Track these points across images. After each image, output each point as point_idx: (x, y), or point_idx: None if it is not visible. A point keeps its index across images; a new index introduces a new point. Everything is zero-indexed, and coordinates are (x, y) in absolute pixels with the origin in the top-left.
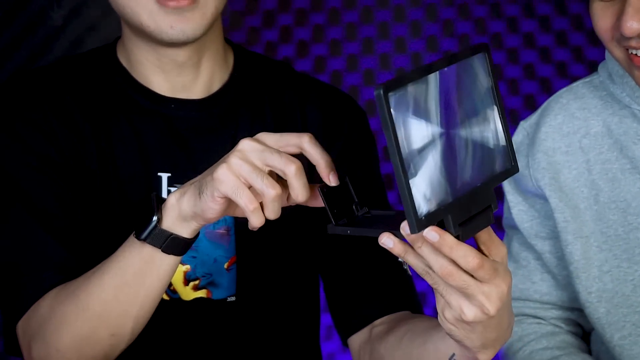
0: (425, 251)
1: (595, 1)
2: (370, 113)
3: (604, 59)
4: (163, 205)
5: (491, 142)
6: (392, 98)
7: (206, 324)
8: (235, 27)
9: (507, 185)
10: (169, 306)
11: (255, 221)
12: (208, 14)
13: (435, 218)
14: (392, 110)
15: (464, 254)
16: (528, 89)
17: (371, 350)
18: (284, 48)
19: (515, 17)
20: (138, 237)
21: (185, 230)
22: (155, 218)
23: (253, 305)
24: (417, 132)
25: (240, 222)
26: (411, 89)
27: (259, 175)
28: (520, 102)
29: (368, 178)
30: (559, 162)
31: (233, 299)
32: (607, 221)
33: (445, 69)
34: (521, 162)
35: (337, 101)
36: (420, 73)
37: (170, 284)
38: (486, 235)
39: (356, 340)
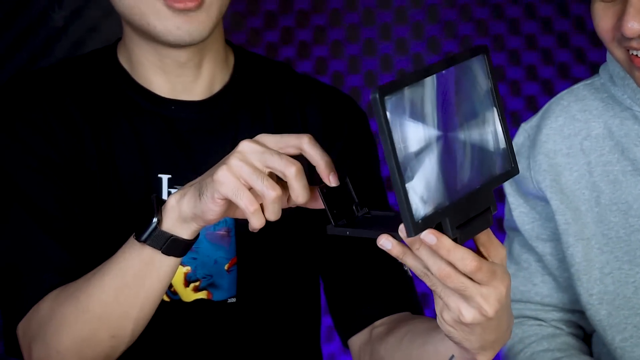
0: (423, 253)
1: (597, 2)
2: (371, 114)
3: (605, 60)
4: (163, 206)
5: (491, 144)
6: (389, 102)
7: (207, 325)
8: (236, 28)
9: (508, 187)
10: (170, 307)
11: (256, 222)
12: (213, 16)
13: (433, 221)
14: (388, 113)
15: (462, 256)
16: (529, 90)
17: (371, 351)
18: (285, 49)
19: (516, 19)
20: (138, 239)
21: (185, 232)
22: (155, 220)
23: (253, 306)
24: (414, 136)
25: (241, 224)
26: (408, 92)
27: (259, 176)
28: (521, 103)
29: (368, 179)
30: (560, 164)
31: (233, 300)
32: (608, 223)
33: (444, 71)
34: (522, 164)
35: (337, 102)
36: (417, 76)
37: (171, 285)
38: (485, 237)
39: (356, 341)
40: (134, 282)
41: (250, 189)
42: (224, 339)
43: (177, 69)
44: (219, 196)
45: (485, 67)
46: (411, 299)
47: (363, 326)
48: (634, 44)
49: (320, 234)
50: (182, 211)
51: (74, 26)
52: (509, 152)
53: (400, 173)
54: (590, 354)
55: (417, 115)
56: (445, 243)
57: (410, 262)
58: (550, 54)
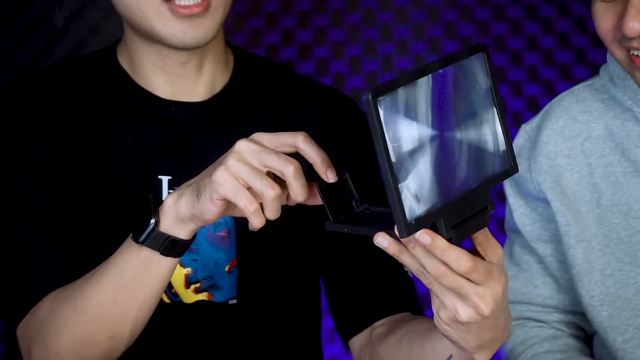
0: (419, 252)
1: (597, 2)
2: None
3: (606, 61)
4: (160, 207)
5: (489, 143)
6: (382, 102)
7: (207, 327)
8: (237, 29)
9: (509, 189)
10: (170, 309)
11: (256, 222)
12: (218, 19)
13: (427, 221)
14: (381, 115)
15: (456, 257)
16: (531, 91)
17: (371, 352)
18: (286, 50)
19: (517, 19)
20: (136, 240)
21: (183, 232)
22: (152, 221)
23: (254, 307)
24: (409, 136)
25: (241, 225)
26: (402, 92)
27: (257, 176)
28: (522, 104)
29: (369, 180)
30: (560, 165)
31: (234, 301)
32: (609, 224)
33: (440, 71)
34: (523, 166)
35: (337, 103)
36: (412, 76)
37: (172, 287)
38: (482, 237)
39: (357, 342)
40: (132, 283)
41: (249, 188)
42: (224, 341)
43: (179, 69)
44: (217, 197)
45: (485, 65)
46: (411, 299)
47: (363, 327)
48: (635, 44)
49: (320, 235)
50: (180, 212)
51: (74, 27)
52: (509, 151)
53: (393, 174)
54: (592, 355)
55: (412, 115)
56: (440, 243)
57: (406, 261)
58: (551, 55)
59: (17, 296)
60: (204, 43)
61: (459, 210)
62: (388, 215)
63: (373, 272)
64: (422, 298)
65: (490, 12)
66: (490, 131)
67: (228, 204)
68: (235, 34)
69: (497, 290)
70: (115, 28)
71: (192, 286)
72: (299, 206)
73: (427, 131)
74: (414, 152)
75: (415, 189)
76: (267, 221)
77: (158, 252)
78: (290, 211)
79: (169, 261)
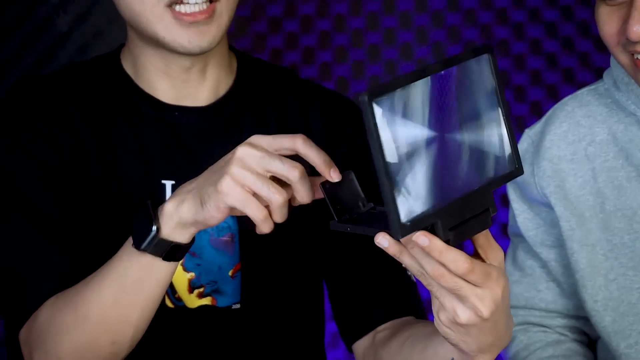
0: (417, 253)
1: (601, 6)
2: None
3: (610, 65)
4: (159, 213)
5: (493, 145)
6: (379, 103)
7: (211, 331)
8: (240, 33)
9: (512, 193)
10: (174, 314)
11: (266, 228)
12: (222, 26)
13: (423, 223)
14: (377, 116)
15: (454, 258)
16: (534, 95)
17: (374, 356)
18: (290, 54)
19: (521, 24)
20: (138, 247)
21: (183, 237)
22: (154, 228)
23: (258, 312)
24: (406, 137)
25: (245, 230)
26: (400, 94)
27: (264, 183)
28: (526, 109)
29: (373, 182)
30: (564, 170)
31: (238, 306)
32: (612, 229)
33: (442, 72)
34: (526, 170)
35: (340, 107)
36: (410, 78)
37: (175, 292)
38: (484, 239)
39: (360, 346)
40: (132, 289)
41: (254, 194)
42: (228, 345)
43: (182, 74)
44: (224, 206)
45: (490, 66)
46: (414, 303)
47: (366, 331)
48: (639, 48)
49: (324, 239)
50: (182, 218)
51: (79, 31)
52: (514, 153)
53: (388, 175)
54: None
55: (410, 117)
56: (437, 245)
57: (406, 261)
58: (555, 59)
59: (18, 300)
60: (208, 50)
61: (458, 212)
62: None
63: (376, 275)
64: (426, 302)
65: (494, 16)
66: (494, 133)
67: (233, 208)
68: (239, 39)
69: (497, 292)
70: (119, 33)
71: (196, 291)
72: (302, 211)
73: (426, 132)
74: (411, 154)
75: (412, 190)
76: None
77: (160, 258)
78: (293, 215)
79: (170, 265)
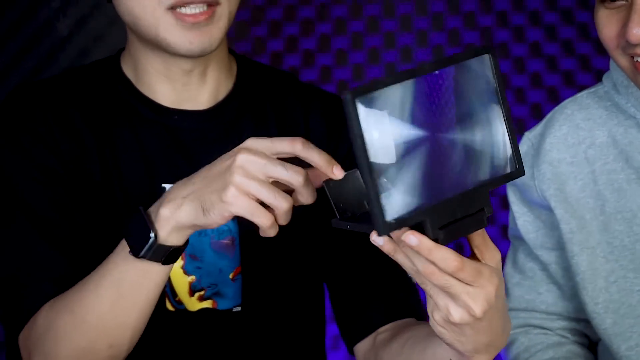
0: (409, 251)
1: (601, 9)
2: None
3: (610, 68)
4: (154, 217)
5: (491, 146)
6: (362, 102)
7: (212, 334)
8: (241, 37)
9: (512, 196)
10: (175, 317)
11: (272, 233)
12: (222, 27)
13: (410, 221)
14: (360, 114)
15: (443, 256)
16: (534, 98)
17: (375, 358)
18: (290, 58)
19: (521, 26)
20: (136, 255)
21: (179, 240)
22: (153, 234)
23: (259, 315)
24: (392, 136)
25: (245, 233)
26: (386, 92)
27: (270, 191)
28: (526, 111)
29: None
30: (564, 172)
31: (239, 309)
32: (613, 232)
33: (437, 72)
34: (526, 173)
35: (340, 110)
36: (399, 77)
37: (176, 295)
38: (480, 240)
39: (361, 347)
40: (130, 293)
41: (259, 200)
42: (229, 348)
43: (183, 77)
44: (229, 214)
45: (490, 66)
46: (414, 305)
47: (367, 332)
48: (639, 50)
49: (324, 241)
50: (179, 222)
51: (79, 35)
52: (514, 154)
53: (372, 173)
54: None
55: (397, 115)
56: (426, 244)
57: (401, 260)
58: (555, 62)
59: (17, 303)
60: (210, 51)
61: (449, 211)
62: None
63: (377, 277)
64: (426, 304)
65: (494, 19)
66: (494, 134)
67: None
68: (239, 42)
69: (489, 291)
70: (119, 36)
71: (197, 294)
72: (303, 213)
73: (414, 132)
74: (398, 152)
75: (399, 188)
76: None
77: (159, 263)
78: (294, 218)
79: (167, 267)
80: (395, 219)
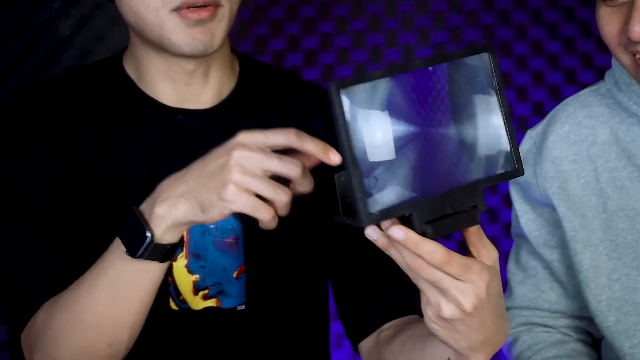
0: (398, 246)
1: (602, 7)
2: None
3: (612, 66)
4: (148, 217)
5: (489, 144)
6: (346, 94)
7: (216, 333)
8: (242, 36)
9: (514, 194)
10: (179, 316)
11: (273, 225)
12: (225, 26)
13: (394, 213)
14: (344, 106)
15: (430, 250)
16: (537, 96)
17: (378, 355)
18: (292, 57)
19: (523, 25)
20: (133, 256)
21: (176, 237)
22: (149, 234)
23: (263, 313)
24: (378, 129)
25: (249, 231)
26: (373, 86)
27: (268, 186)
28: (528, 109)
29: None
30: (566, 170)
31: (243, 307)
32: (615, 229)
33: (430, 67)
34: (529, 171)
35: None
36: (388, 71)
37: (180, 294)
38: (475, 237)
39: (365, 345)
40: (127, 292)
41: (258, 195)
42: (233, 347)
43: (185, 77)
44: (230, 212)
45: (489, 64)
46: (418, 302)
47: (371, 330)
48: None
49: (328, 239)
50: (175, 221)
51: (81, 35)
52: (513, 153)
53: (355, 164)
54: None
55: (384, 109)
56: (412, 237)
57: (394, 255)
58: (557, 60)
59: (19, 303)
60: (212, 51)
61: (438, 206)
62: None
63: (380, 275)
64: None
65: (495, 17)
66: (491, 132)
67: None
68: (241, 41)
69: (479, 286)
70: (120, 36)
71: (201, 293)
72: (307, 211)
73: (402, 126)
74: (383, 145)
75: (385, 181)
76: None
77: (156, 262)
78: (297, 216)
79: (164, 264)
80: (380, 211)
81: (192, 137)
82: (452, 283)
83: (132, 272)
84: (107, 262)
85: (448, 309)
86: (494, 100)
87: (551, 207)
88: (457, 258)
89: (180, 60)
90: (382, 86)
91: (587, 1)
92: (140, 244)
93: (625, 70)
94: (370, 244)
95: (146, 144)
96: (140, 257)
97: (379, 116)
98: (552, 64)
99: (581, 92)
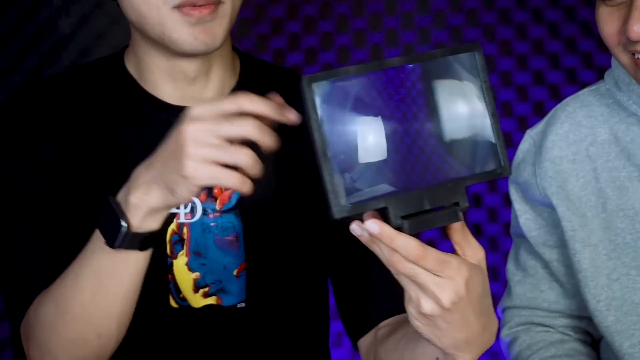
0: (376, 240)
1: (601, 6)
2: None
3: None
4: (124, 206)
5: (472, 142)
6: (318, 87)
7: (216, 330)
8: (243, 34)
9: (514, 194)
10: (179, 314)
11: (246, 188)
12: (225, 26)
13: (368, 206)
14: (317, 100)
15: (405, 244)
16: (537, 95)
17: (375, 353)
18: (292, 55)
19: (523, 24)
20: (111, 246)
21: (155, 224)
22: (124, 224)
23: (263, 311)
24: (351, 123)
25: (249, 229)
26: (348, 81)
27: (225, 152)
28: (529, 108)
29: None
30: (566, 170)
31: (243, 305)
32: (615, 229)
33: (411, 65)
34: (528, 171)
35: None
36: (363, 67)
37: (180, 292)
38: (459, 236)
39: (364, 343)
40: (110, 282)
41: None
42: (233, 344)
43: (187, 75)
44: (195, 188)
45: (475, 63)
46: None
47: (368, 328)
48: (639, 47)
49: (328, 236)
50: (150, 207)
51: (81, 33)
52: (500, 152)
53: (325, 155)
54: None
55: (358, 104)
56: (387, 232)
57: (375, 250)
58: (557, 59)
59: (17, 298)
60: (213, 49)
61: (416, 201)
62: None
63: (377, 272)
64: None
65: (496, 16)
66: (477, 131)
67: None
68: (242, 40)
69: (458, 282)
70: (121, 35)
71: (201, 290)
72: (306, 209)
73: (376, 120)
74: (356, 138)
75: (358, 174)
76: (274, 225)
77: (136, 250)
78: (296, 214)
79: (146, 253)
80: (352, 203)
81: None
82: (429, 278)
83: (113, 261)
84: (89, 252)
85: (427, 305)
86: (481, 99)
87: (550, 207)
88: (433, 253)
89: (181, 59)
90: (357, 82)
91: (588, 0)
92: (116, 234)
93: (625, 69)
94: None
95: (147, 142)
96: (119, 247)
97: (352, 110)
98: (553, 63)
99: (581, 92)
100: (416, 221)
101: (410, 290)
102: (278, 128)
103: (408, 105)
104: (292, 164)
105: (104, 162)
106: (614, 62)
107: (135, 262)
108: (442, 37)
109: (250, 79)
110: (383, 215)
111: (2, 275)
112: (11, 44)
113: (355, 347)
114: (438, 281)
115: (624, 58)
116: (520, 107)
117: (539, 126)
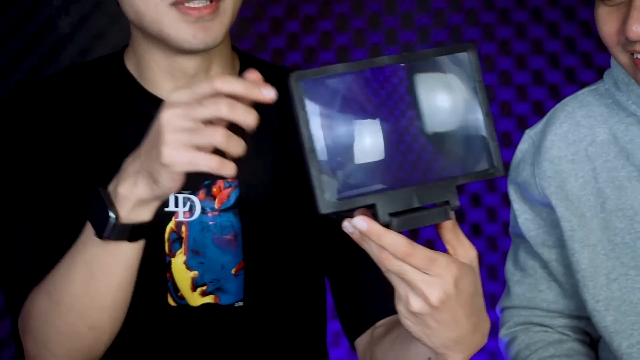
0: (365, 238)
1: (600, 6)
2: None
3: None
4: (113, 197)
5: (465, 142)
6: (306, 84)
7: (214, 329)
8: (242, 34)
9: (513, 194)
10: (176, 312)
11: (228, 171)
12: (226, 23)
13: (355, 202)
14: (305, 98)
15: (393, 242)
16: (536, 95)
17: (371, 352)
18: (292, 55)
19: (523, 23)
20: (101, 237)
21: (146, 215)
22: (112, 215)
23: (261, 310)
24: (339, 120)
25: (248, 228)
26: (337, 79)
27: (198, 133)
28: (528, 108)
29: None
30: (565, 170)
31: (241, 304)
32: (614, 229)
33: (401, 64)
34: (527, 171)
35: None
36: (351, 66)
37: (178, 290)
38: (451, 235)
39: (361, 342)
40: (102, 274)
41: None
42: (231, 343)
43: (187, 74)
44: (176, 175)
45: (469, 64)
46: None
47: (366, 327)
48: (638, 47)
49: (325, 235)
50: (139, 197)
51: (81, 33)
52: (493, 152)
53: (312, 151)
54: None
55: (348, 102)
56: (375, 229)
57: (366, 247)
58: (557, 59)
59: (15, 293)
60: (213, 46)
61: (404, 198)
62: None
63: (374, 272)
64: None
65: (495, 16)
66: (470, 131)
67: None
68: (241, 39)
69: (446, 281)
70: (121, 34)
71: (199, 289)
72: (304, 208)
73: (365, 118)
74: (345, 135)
75: (346, 171)
76: (273, 225)
77: (126, 242)
78: (295, 214)
79: (137, 245)
80: (339, 199)
81: None
82: (418, 276)
83: (104, 253)
84: (80, 244)
85: (416, 303)
86: (474, 99)
87: (549, 207)
88: (420, 251)
89: (181, 56)
90: (346, 80)
91: (587, 0)
92: (105, 225)
93: (624, 69)
94: None
95: None
96: (108, 238)
97: (341, 108)
98: (552, 63)
99: (580, 92)
100: (405, 219)
101: (400, 289)
102: (278, 127)
103: (398, 103)
104: (291, 164)
105: (103, 161)
106: (613, 62)
107: (125, 254)
108: (441, 36)
109: None
110: (374, 213)
111: (1, 271)
112: (11, 43)
113: (353, 347)
114: (426, 279)
115: (623, 58)
116: (519, 107)
117: (538, 126)
